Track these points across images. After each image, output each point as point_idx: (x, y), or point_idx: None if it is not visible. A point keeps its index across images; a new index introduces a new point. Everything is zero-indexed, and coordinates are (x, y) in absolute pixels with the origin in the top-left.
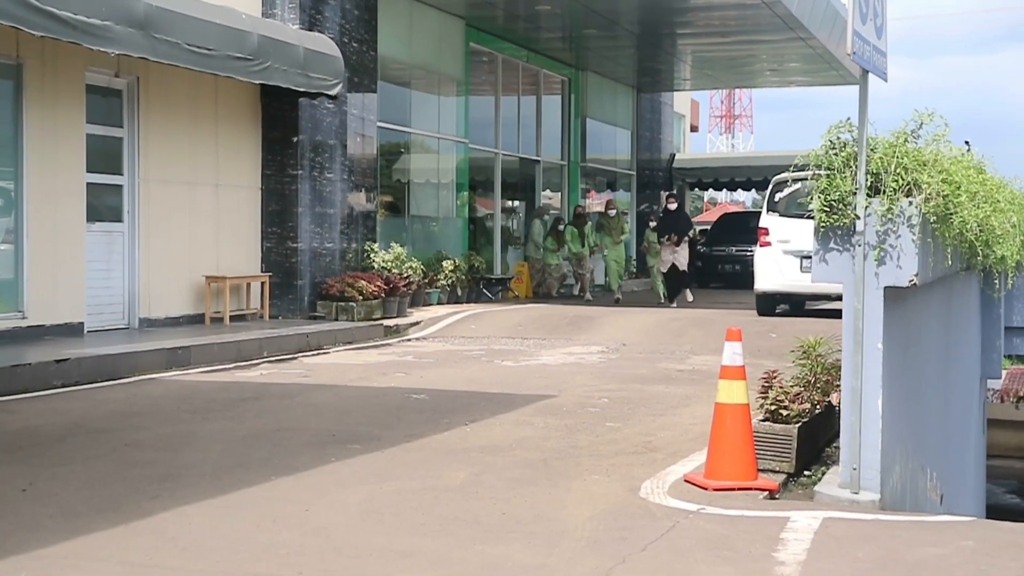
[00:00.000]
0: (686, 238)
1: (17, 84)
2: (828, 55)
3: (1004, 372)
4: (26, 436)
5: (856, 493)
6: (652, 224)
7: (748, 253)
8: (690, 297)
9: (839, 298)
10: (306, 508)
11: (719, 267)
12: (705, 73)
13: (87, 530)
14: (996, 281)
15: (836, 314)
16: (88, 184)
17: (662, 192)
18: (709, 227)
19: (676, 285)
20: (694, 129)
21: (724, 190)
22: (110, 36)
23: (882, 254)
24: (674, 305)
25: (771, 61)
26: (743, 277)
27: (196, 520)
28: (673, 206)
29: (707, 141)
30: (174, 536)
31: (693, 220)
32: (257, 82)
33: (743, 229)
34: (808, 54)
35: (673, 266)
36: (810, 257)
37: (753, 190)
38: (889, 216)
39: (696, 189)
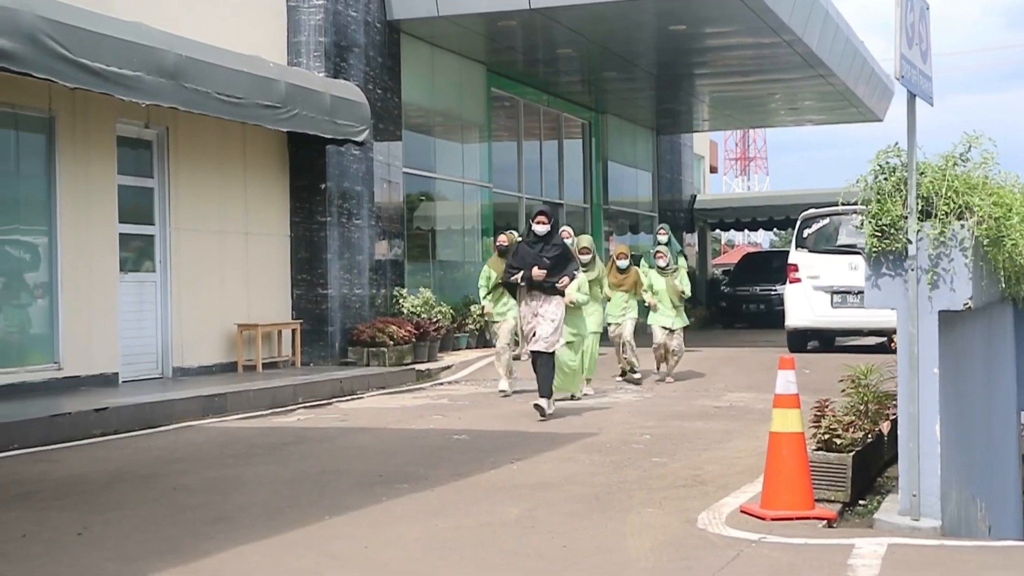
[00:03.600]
0: (565, 281)
1: (49, 137)
2: (848, 92)
3: None
4: (73, 484)
5: (917, 520)
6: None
7: (772, 292)
8: (549, 409)
9: (871, 333)
10: (365, 545)
11: (743, 307)
12: (723, 113)
13: (147, 572)
14: None
15: (868, 349)
16: (120, 235)
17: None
18: (731, 268)
19: (543, 372)
20: (713, 170)
21: (745, 230)
22: (141, 87)
23: (935, 278)
24: (546, 411)
25: (788, 100)
26: (768, 316)
27: (256, 559)
28: (543, 228)
29: (723, 183)
30: (237, 574)
31: (712, 262)
32: (285, 130)
33: (766, 268)
34: (827, 92)
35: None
36: (841, 292)
37: (773, 230)
38: (941, 240)
39: (717, 229)
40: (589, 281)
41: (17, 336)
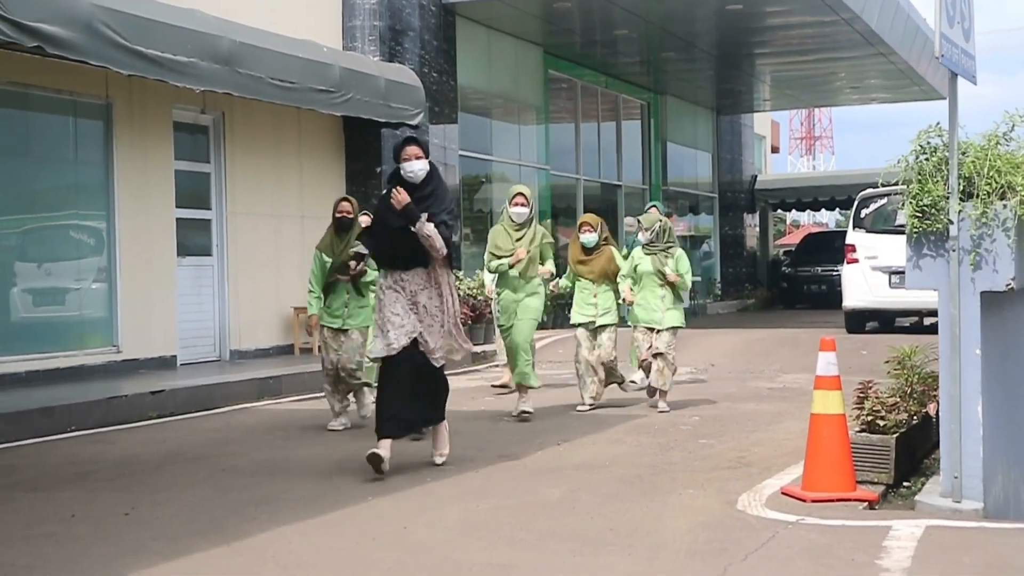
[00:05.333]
0: (447, 271)
1: (107, 123)
2: (910, 70)
3: None
4: (126, 465)
5: (958, 502)
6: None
7: (834, 272)
8: (443, 455)
9: (930, 313)
10: (404, 526)
11: (804, 287)
12: (785, 93)
13: (188, 551)
14: None
15: (928, 330)
16: (177, 219)
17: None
18: (793, 248)
19: (407, 411)
20: (775, 150)
21: (807, 210)
22: (195, 73)
23: (977, 259)
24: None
25: (851, 79)
26: (829, 297)
27: (295, 540)
28: (418, 167)
29: (787, 163)
30: (274, 555)
31: (777, 243)
32: (339, 114)
33: (828, 248)
34: (889, 70)
35: (415, 365)
36: (899, 273)
37: (837, 210)
38: (983, 220)
39: (779, 210)
40: (519, 244)
41: (77, 320)
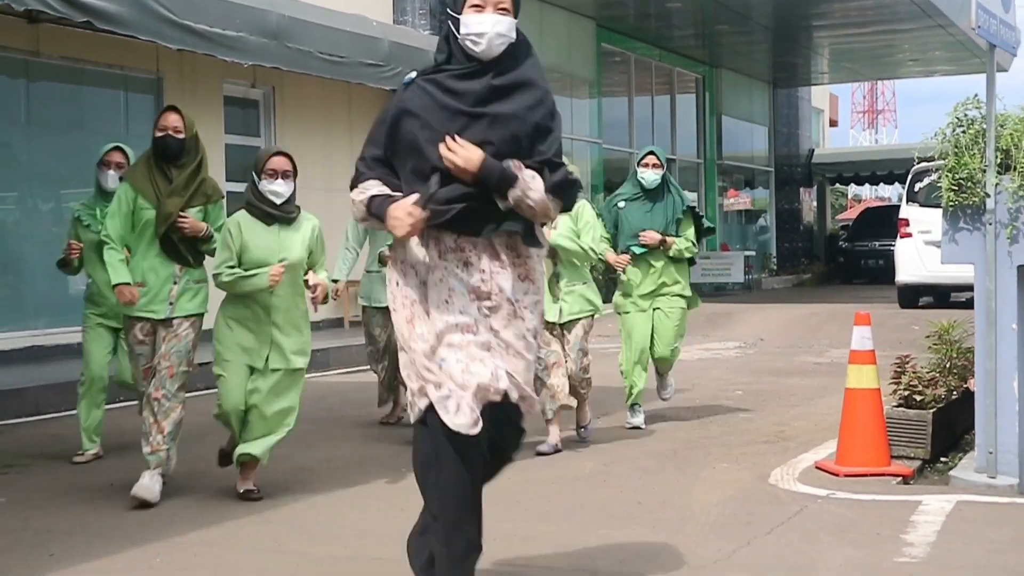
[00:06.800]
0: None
1: (158, 98)
2: (969, 42)
3: None
4: None
5: (993, 477)
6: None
7: (891, 247)
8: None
9: None
10: None
11: (862, 262)
12: (843, 66)
13: (221, 519)
14: None
15: None
16: (228, 193)
17: None
18: (851, 223)
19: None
20: (833, 124)
21: (866, 184)
22: (244, 47)
23: (1014, 232)
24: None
25: (912, 51)
26: (886, 272)
27: (326, 510)
28: (492, 30)
29: (849, 137)
30: (303, 524)
31: (836, 218)
32: (388, 88)
33: (885, 223)
34: (949, 42)
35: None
36: None
37: (896, 184)
38: (1021, 193)
39: (837, 184)
40: None
41: None
